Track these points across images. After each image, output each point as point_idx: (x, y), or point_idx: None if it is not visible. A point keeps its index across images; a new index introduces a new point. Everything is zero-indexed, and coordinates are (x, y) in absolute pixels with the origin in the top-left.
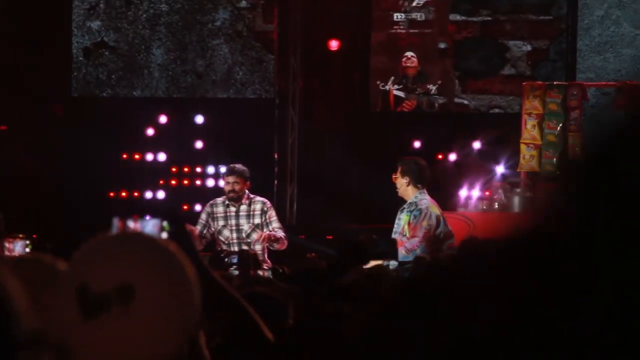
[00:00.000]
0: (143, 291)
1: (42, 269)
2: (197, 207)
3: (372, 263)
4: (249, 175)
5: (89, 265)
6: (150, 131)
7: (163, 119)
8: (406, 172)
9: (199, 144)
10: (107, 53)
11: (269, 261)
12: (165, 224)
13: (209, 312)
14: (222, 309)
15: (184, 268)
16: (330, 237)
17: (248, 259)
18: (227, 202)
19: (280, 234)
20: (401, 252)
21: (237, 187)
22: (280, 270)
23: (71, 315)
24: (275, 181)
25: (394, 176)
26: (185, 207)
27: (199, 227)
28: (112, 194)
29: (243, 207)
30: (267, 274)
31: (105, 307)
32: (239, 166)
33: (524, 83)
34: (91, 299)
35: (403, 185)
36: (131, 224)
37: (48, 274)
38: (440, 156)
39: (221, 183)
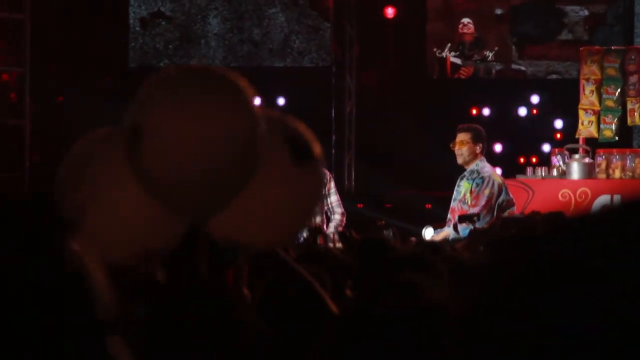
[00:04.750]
0: None
1: None
2: None
3: (439, 235)
4: None
5: None
6: None
7: None
8: (479, 139)
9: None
10: (163, 23)
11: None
12: None
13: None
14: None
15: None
16: (389, 205)
17: (315, 233)
18: None
19: (338, 210)
20: (461, 224)
21: None
22: (348, 234)
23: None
24: (333, 150)
25: (460, 141)
26: None
27: None
28: None
29: None
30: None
31: (310, 157)
32: None
33: (581, 48)
34: (301, 148)
35: (473, 152)
36: None
37: None
38: (499, 121)
39: None
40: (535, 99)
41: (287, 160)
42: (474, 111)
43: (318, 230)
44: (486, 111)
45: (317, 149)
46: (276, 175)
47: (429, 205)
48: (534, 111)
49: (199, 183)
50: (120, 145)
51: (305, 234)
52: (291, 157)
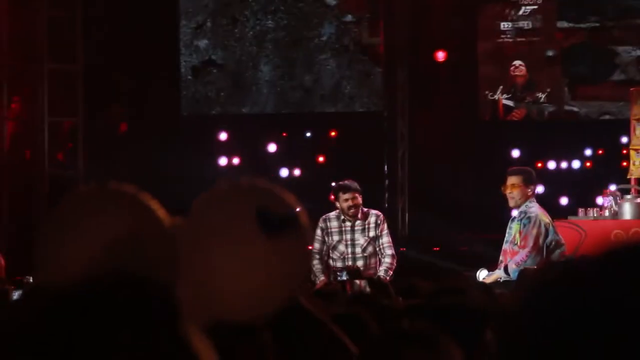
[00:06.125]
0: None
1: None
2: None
3: (490, 277)
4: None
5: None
6: (272, 147)
7: (278, 137)
8: (530, 181)
9: (320, 159)
10: (215, 71)
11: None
12: None
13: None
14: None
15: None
16: (437, 249)
17: (354, 275)
18: (342, 216)
19: (388, 253)
20: (511, 266)
21: (358, 202)
22: (377, 279)
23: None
24: (386, 194)
25: (511, 184)
26: None
27: (316, 245)
28: None
29: (358, 222)
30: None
31: (286, 228)
32: (352, 182)
33: (631, 89)
34: (273, 219)
35: (525, 195)
36: None
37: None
38: (552, 164)
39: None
40: (589, 141)
41: (256, 232)
42: (526, 154)
43: (356, 273)
44: (538, 153)
45: (296, 215)
46: (238, 249)
47: (466, 248)
48: (588, 153)
49: None
50: None
51: (345, 277)
52: (262, 229)
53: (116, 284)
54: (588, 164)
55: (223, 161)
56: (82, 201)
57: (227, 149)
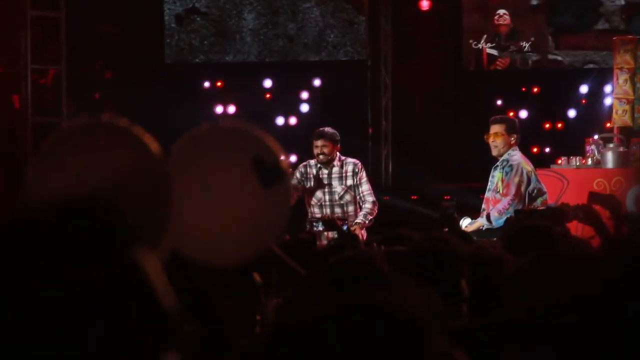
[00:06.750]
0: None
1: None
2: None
3: (473, 225)
4: (339, 138)
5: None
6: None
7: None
8: (513, 130)
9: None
10: (198, 19)
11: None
12: None
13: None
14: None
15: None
16: (415, 197)
17: (329, 226)
18: (318, 164)
19: (369, 199)
20: (493, 214)
21: (326, 151)
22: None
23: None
24: (370, 143)
25: (494, 133)
26: None
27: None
28: None
29: (335, 170)
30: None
31: (279, 178)
32: (327, 130)
33: (614, 38)
34: (268, 169)
35: (508, 143)
36: None
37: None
38: (535, 113)
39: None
40: (573, 90)
41: (252, 183)
42: (509, 103)
43: (331, 224)
44: (521, 102)
45: (284, 164)
46: (235, 196)
47: (449, 196)
48: (572, 102)
49: None
50: None
51: (320, 227)
52: (259, 180)
53: (83, 208)
54: (571, 112)
55: (207, 109)
56: (76, 132)
57: (211, 98)
